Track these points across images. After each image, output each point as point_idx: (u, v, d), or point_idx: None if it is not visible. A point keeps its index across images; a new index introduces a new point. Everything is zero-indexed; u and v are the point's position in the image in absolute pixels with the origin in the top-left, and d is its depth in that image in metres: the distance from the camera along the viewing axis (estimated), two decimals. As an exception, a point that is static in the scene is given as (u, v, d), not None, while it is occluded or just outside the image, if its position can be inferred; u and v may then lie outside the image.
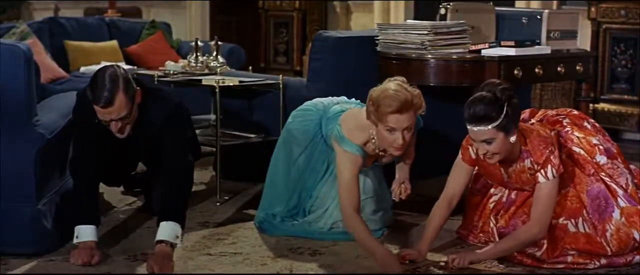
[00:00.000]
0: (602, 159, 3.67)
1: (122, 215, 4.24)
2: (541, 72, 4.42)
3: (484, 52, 4.31)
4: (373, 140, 3.72)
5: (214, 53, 5.21)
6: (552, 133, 3.65)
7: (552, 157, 3.46)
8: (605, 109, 6.41)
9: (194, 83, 4.81)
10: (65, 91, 4.74)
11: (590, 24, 6.46)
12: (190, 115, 4.04)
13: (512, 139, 3.40)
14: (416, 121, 3.66)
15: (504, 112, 3.32)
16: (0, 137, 3.48)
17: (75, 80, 6.40)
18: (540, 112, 3.90)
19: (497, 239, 3.61)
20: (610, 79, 6.44)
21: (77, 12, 8.83)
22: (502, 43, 4.34)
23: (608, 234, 3.52)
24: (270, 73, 6.98)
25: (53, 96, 4.49)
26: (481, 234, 3.82)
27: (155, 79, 4.90)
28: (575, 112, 3.94)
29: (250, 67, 5.64)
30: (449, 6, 4.56)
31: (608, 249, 3.51)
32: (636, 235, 3.54)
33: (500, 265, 3.53)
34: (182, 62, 5.29)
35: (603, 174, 3.63)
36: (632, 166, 3.83)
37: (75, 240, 3.54)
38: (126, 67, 6.05)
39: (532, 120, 3.81)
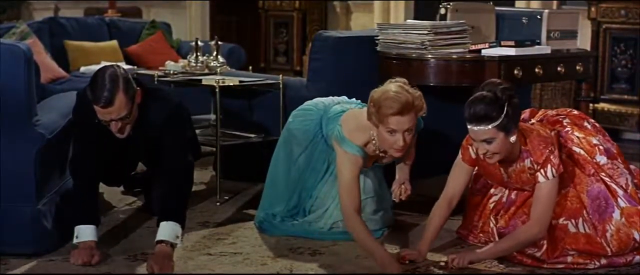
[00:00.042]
0: (602, 159, 3.67)
1: (122, 215, 4.24)
2: (541, 72, 4.42)
3: (484, 52, 4.31)
4: (373, 141, 3.71)
5: (214, 53, 5.21)
6: (552, 133, 3.65)
7: (551, 157, 3.46)
8: (605, 109, 6.41)
9: (194, 83, 4.81)
10: (65, 91, 4.74)
11: (590, 24, 6.46)
12: (190, 115, 4.04)
13: (512, 138, 3.40)
14: (417, 123, 3.66)
15: (505, 111, 3.32)
16: (0, 137, 3.48)
17: (75, 80, 6.40)
18: (540, 112, 3.90)
19: (497, 239, 3.61)
20: (610, 79, 6.44)
21: (77, 12, 8.83)
22: (502, 43, 4.34)
23: (608, 235, 3.52)
24: (270, 73, 6.98)
25: (53, 96, 4.49)
26: (481, 234, 3.82)
27: (155, 79, 4.90)
28: (576, 112, 3.94)
29: (250, 67, 5.64)
30: (449, 6, 4.56)
31: (608, 249, 3.51)
32: (636, 236, 3.54)
33: (500, 265, 3.53)
34: (182, 62, 5.29)
35: (603, 174, 3.63)
36: (632, 166, 3.83)
37: (75, 240, 3.54)
38: (126, 67, 6.05)
39: (532, 120, 3.81)
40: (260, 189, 4.23)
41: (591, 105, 6.13)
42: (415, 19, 6.86)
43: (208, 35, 9.26)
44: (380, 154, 3.80)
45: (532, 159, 3.49)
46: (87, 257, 3.48)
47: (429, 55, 4.27)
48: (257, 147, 4.68)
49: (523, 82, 4.39)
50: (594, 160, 3.65)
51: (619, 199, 3.58)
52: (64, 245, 3.65)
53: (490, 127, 3.33)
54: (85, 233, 3.55)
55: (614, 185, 3.61)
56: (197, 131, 4.55)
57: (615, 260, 3.53)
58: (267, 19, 9.15)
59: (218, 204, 4.45)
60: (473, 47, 4.39)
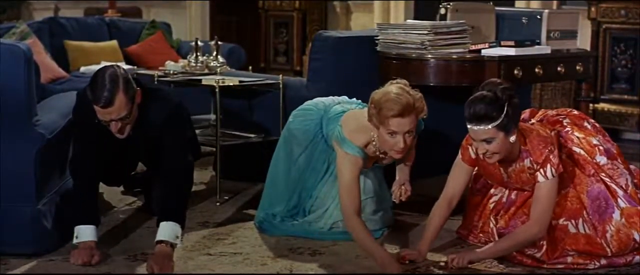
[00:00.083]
0: (602, 160, 3.67)
1: (122, 215, 4.24)
2: (541, 72, 4.42)
3: (484, 52, 4.31)
4: (374, 142, 3.71)
5: (214, 53, 5.21)
6: (552, 133, 3.65)
7: (551, 157, 3.46)
8: (605, 109, 6.41)
9: (194, 83, 4.81)
10: (65, 91, 4.74)
11: (590, 24, 6.46)
12: (190, 115, 4.04)
13: (512, 138, 3.40)
14: (418, 124, 3.66)
15: (505, 111, 3.32)
16: (0, 137, 3.48)
17: (75, 80, 6.40)
18: (540, 112, 3.90)
19: (496, 239, 3.61)
20: (610, 79, 6.44)
21: (77, 12, 8.83)
22: (502, 43, 4.34)
23: (608, 235, 3.52)
24: (270, 73, 6.98)
25: (53, 96, 4.49)
26: (481, 234, 3.82)
27: (155, 79, 4.90)
28: (576, 112, 3.94)
29: (250, 67, 5.64)
30: (449, 6, 4.56)
31: (608, 250, 3.51)
32: (636, 236, 3.54)
33: (500, 265, 3.53)
34: (182, 62, 5.29)
35: (603, 174, 3.63)
36: (632, 166, 3.83)
37: (75, 240, 3.54)
38: (126, 67, 6.05)
39: (532, 120, 3.81)
40: (260, 189, 4.23)
41: (591, 105, 6.13)
42: (415, 19, 6.86)
43: (208, 35, 9.26)
44: (381, 155, 3.80)
45: (531, 158, 3.49)
46: (87, 257, 3.48)
47: (429, 55, 4.27)
48: (257, 147, 4.68)
49: (523, 82, 4.39)
50: (594, 161, 3.65)
51: (619, 200, 3.58)
52: (64, 245, 3.65)
53: (490, 126, 3.33)
54: (85, 233, 3.55)
55: (614, 186, 3.61)
56: (197, 131, 4.55)
57: (615, 260, 3.53)
58: (267, 19, 9.15)
59: (218, 204, 4.45)
60: (473, 47, 4.39)
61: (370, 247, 3.52)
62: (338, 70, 4.56)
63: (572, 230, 3.54)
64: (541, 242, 3.50)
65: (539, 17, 4.69)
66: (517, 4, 7.35)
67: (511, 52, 4.27)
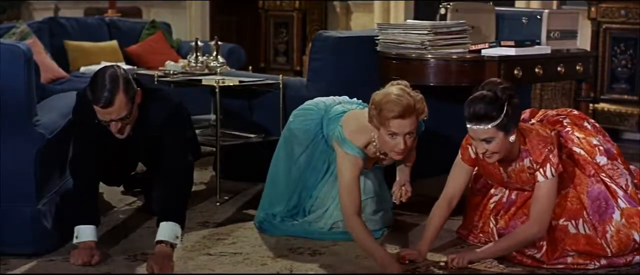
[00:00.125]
0: (602, 160, 3.67)
1: (122, 215, 4.24)
2: (541, 72, 4.42)
3: (484, 52, 4.31)
4: (374, 143, 3.71)
5: (214, 53, 5.21)
6: (553, 133, 3.65)
7: (551, 156, 3.46)
8: (605, 109, 6.41)
9: (194, 83, 4.81)
10: (65, 91, 4.74)
11: (590, 24, 6.46)
12: (190, 115, 4.04)
13: (512, 138, 3.40)
14: (418, 126, 3.66)
15: (504, 111, 3.32)
16: (1, 137, 3.48)
17: (75, 80, 6.40)
18: (540, 112, 3.90)
19: (496, 239, 3.61)
20: (610, 79, 6.44)
21: (77, 12, 8.83)
22: (502, 43, 4.34)
23: (608, 235, 3.52)
24: (270, 73, 6.98)
25: (53, 96, 4.49)
26: (481, 234, 3.82)
27: (155, 79, 4.90)
28: (576, 112, 3.94)
29: (250, 67, 5.64)
30: (449, 6, 4.56)
31: (608, 250, 3.51)
32: (636, 237, 3.54)
33: (500, 265, 3.53)
34: (182, 62, 5.29)
35: (603, 174, 3.63)
36: (632, 166, 3.83)
37: (75, 240, 3.54)
38: (126, 67, 6.05)
39: (533, 120, 3.81)
40: (260, 189, 4.23)
41: (591, 105, 6.13)
42: (415, 19, 6.86)
43: (208, 35, 9.26)
44: (381, 156, 3.80)
45: (531, 158, 3.49)
46: (87, 257, 3.48)
47: (429, 55, 4.27)
48: (257, 147, 4.68)
49: (523, 82, 4.39)
50: (594, 161, 3.65)
51: (619, 200, 3.58)
52: (64, 245, 3.65)
53: (489, 126, 3.33)
54: (85, 233, 3.55)
55: (614, 186, 3.61)
56: (197, 131, 4.55)
57: (615, 260, 3.53)
58: (267, 19, 9.15)
59: (218, 204, 4.45)
60: (473, 47, 4.39)
61: (370, 247, 3.52)
62: (338, 70, 4.56)
63: (572, 230, 3.54)
64: (541, 243, 3.50)
65: (539, 17, 4.69)
66: (517, 4, 7.35)
67: (511, 52, 4.27)
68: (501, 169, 3.60)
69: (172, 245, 3.48)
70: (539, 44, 4.55)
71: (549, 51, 4.53)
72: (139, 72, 5.53)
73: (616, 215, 3.55)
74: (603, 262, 3.52)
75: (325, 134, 3.89)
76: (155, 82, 4.84)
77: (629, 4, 6.27)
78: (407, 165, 3.99)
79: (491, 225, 3.69)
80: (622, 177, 3.66)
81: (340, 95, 4.07)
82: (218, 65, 5.16)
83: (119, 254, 3.62)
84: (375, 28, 4.60)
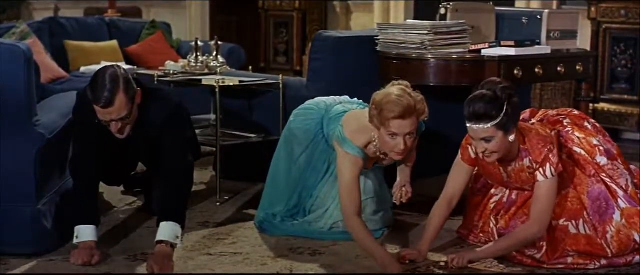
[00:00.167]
0: (602, 160, 3.66)
1: (122, 215, 4.24)
2: (541, 72, 4.42)
3: (484, 52, 4.31)
4: (374, 143, 3.71)
5: (214, 53, 5.21)
6: (553, 133, 3.65)
7: (550, 156, 3.46)
8: (605, 109, 6.41)
9: (194, 83, 4.81)
10: (65, 91, 4.74)
11: (590, 24, 6.46)
12: (190, 115, 4.04)
13: (511, 137, 3.40)
14: (419, 126, 3.66)
15: (504, 110, 3.32)
16: (1, 137, 3.48)
17: (75, 80, 6.40)
18: (540, 112, 3.90)
19: (497, 239, 3.60)
20: (610, 79, 6.44)
21: (77, 12, 8.83)
22: (502, 43, 4.34)
23: (608, 236, 3.52)
24: (270, 73, 6.98)
25: (53, 96, 4.49)
26: (481, 234, 3.82)
27: (155, 79, 4.90)
28: (576, 112, 3.94)
29: (250, 67, 5.64)
30: (449, 6, 4.56)
31: (608, 250, 3.51)
32: (636, 237, 3.54)
33: (500, 265, 3.53)
34: (182, 62, 5.29)
35: (603, 175, 3.63)
36: (632, 166, 3.83)
37: (75, 240, 3.54)
38: (126, 67, 6.05)
39: (533, 120, 3.81)
40: (260, 189, 4.23)
41: (591, 105, 6.13)
42: (415, 19, 6.86)
43: (208, 35, 9.26)
44: (381, 156, 3.80)
45: (531, 158, 3.49)
46: (87, 257, 3.48)
47: (429, 55, 4.27)
48: (257, 147, 4.68)
49: (523, 82, 4.39)
50: (595, 161, 3.65)
51: (619, 200, 3.58)
52: (64, 245, 3.65)
53: (489, 125, 3.33)
54: (85, 233, 3.55)
55: (614, 187, 3.61)
56: (197, 131, 4.55)
57: (615, 260, 3.53)
58: (267, 19, 9.15)
59: (218, 204, 4.45)
60: (473, 47, 4.39)
61: (370, 247, 3.52)
62: (338, 70, 4.56)
63: (573, 231, 3.54)
64: (541, 243, 3.50)
65: (539, 17, 4.69)
66: (517, 4, 7.35)
67: (511, 52, 4.27)
68: (501, 168, 3.60)
69: (172, 245, 3.48)
70: (539, 44, 4.55)
71: (549, 51, 4.53)
72: (139, 72, 5.52)
73: (616, 216, 3.55)
74: (603, 262, 3.52)
75: (325, 134, 3.89)
76: (155, 82, 4.84)
77: (629, 4, 6.27)
78: (408, 165, 3.99)
79: (491, 225, 3.69)
80: (623, 177, 3.66)
81: (340, 96, 4.07)
82: (218, 65, 5.15)
83: (119, 254, 3.62)
84: (375, 28, 4.60)
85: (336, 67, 4.56)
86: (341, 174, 3.68)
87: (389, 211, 4.09)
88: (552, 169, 3.45)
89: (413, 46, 4.34)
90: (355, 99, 4.04)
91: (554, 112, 3.90)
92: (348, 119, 3.79)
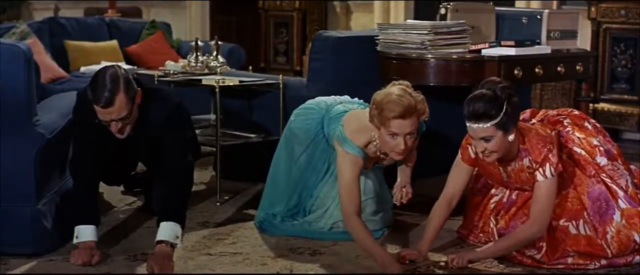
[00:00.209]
0: (602, 161, 3.66)
1: (122, 215, 4.24)
2: (541, 72, 4.42)
3: (484, 52, 4.31)
4: (375, 143, 3.71)
5: (214, 53, 5.21)
6: (553, 133, 3.65)
7: (550, 156, 3.45)
8: (605, 109, 6.41)
9: (194, 83, 4.81)
10: (65, 91, 4.74)
11: (590, 24, 6.46)
12: (190, 115, 4.04)
13: (511, 137, 3.40)
14: (419, 126, 3.66)
15: (503, 110, 3.32)
16: (1, 137, 3.48)
17: (75, 80, 6.40)
18: (541, 112, 3.90)
19: (497, 239, 3.60)
20: (610, 79, 6.44)
21: (77, 12, 8.83)
22: (502, 43, 4.34)
23: (608, 236, 3.52)
24: (270, 73, 6.98)
25: (53, 96, 4.49)
26: (481, 234, 3.82)
27: (155, 79, 4.90)
28: (576, 112, 3.94)
29: (250, 67, 5.64)
30: (449, 6, 4.56)
31: (608, 251, 3.51)
32: (636, 237, 3.54)
33: (500, 265, 3.53)
34: (182, 62, 5.29)
35: (604, 175, 3.63)
36: (632, 166, 3.83)
37: (75, 240, 3.54)
38: (126, 67, 6.05)
39: (533, 120, 3.81)
40: (260, 189, 4.23)
41: (591, 105, 6.13)
42: (415, 19, 6.86)
43: (208, 35, 9.26)
44: (381, 156, 3.80)
45: (530, 158, 3.48)
46: (87, 257, 3.48)
47: (429, 55, 4.27)
48: (257, 147, 4.68)
49: (523, 82, 4.39)
50: (595, 161, 3.65)
51: (619, 201, 3.58)
52: (64, 245, 3.65)
53: (488, 125, 3.33)
54: (85, 233, 3.55)
55: (614, 187, 3.61)
56: (197, 131, 4.55)
57: (615, 260, 3.53)
58: (267, 19, 9.15)
59: (218, 204, 4.45)
60: (473, 47, 4.39)
61: (370, 247, 3.51)
62: (338, 70, 4.56)
63: (573, 231, 3.54)
64: (541, 244, 3.50)
65: (539, 17, 4.69)
66: (517, 4, 7.35)
67: (511, 52, 4.27)
68: (501, 168, 3.60)
69: (173, 245, 3.48)
70: (539, 44, 4.55)
71: (549, 51, 4.53)
72: (139, 72, 5.52)
73: (616, 216, 3.55)
74: (603, 262, 3.52)
75: (326, 134, 3.89)
76: (155, 82, 4.84)
77: (629, 4, 6.27)
78: (408, 165, 3.99)
79: (491, 225, 3.69)
80: (623, 177, 3.66)
81: (340, 95, 4.07)
82: (218, 65, 5.15)
83: (119, 254, 3.62)
84: (375, 28, 4.60)
85: (336, 67, 4.56)
86: (341, 173, 3.68)
87: (389, 211, 4.09)
88: (552, 169, 3.45)
89: (413, 46, 4.34)
90: (356, 98, 4.04)
91: (555, 112, 3.89)
92: (348, 119, 3.79)
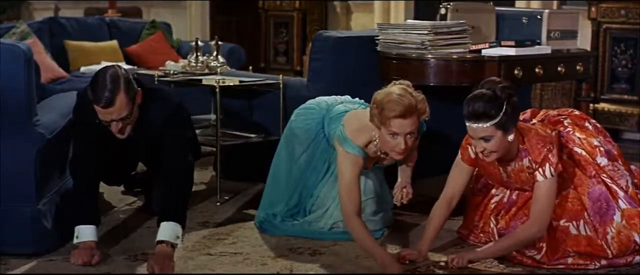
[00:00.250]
0: (603, 161, 3.66)
1: (122, 215, 4.24)
2: (541, 72, 4.42)
3: (484, 52, 4.31)
4: (375, 143, 3.71)
5: (214, 53, 5.21)
6: (553, 133, 3.65)
7: (550, 156, 3.45)
8: (605, 109, 6.41)
9: (194, 83, 4.81)
10: (65, 91, 4.74)
11: (590, 24, 6.46)
12: (190, 115, 4.04)
13: (510, 137, 3.40)
14: (419, 126, 3.66)
15: (503, 110, 3.32)
16: (1, 137, 3.48)
17: (75, 80, 6.40)
18: (541, 112, 3.90)
19: (497, 239, 3.60)
20: (610, 79, 6.44)
21: (77, 12, 8.84)
22: (502, 43, 4.34)
23: (609, 237, 3.52)
24: (270, 73, 6.98)
25: (53, 96, 4.49)
26: (482, 234, 3.82)
27: (155, 79, 4.90)
28: (577, 112, 3.94)
29: (250, 67, 5.64)
30: (449, 6, 4.56)
31: (609, 251, 3.51)
32: (637, 238, 3.54)
33: (500, 265, 3.53)
34: (182, 62, 5.29)
35: (604, 175, 3.63)
36: (632, 167, 3.83)
37: (75, 240, 3.54)
38: (126, 67, 6.04)
39: (534, 121, 3.81)
40: (260, 189, 4.23)
41: (591, 105, 6.13)
42: (415, 19, 6.86)
43: (208, 35, 9.26)
44: (382, 155, 3.80)
45: (530, 158, 3.48)
46: (87, 257, 3.48)
47: (429, 55, 4.27)
48: (257, 147, 4.68)
49: (523, 82, 4.39)
50: (595, 162, 3.65)
51: (619, 201, 3.58)
52: (64, 245, 3.65)
53: (488, 124, 3.33)
54: (85, 233, 3.55)
55: (614, 187, 3.61)
56: (197, 131, 4.55)
57: (615, 261, 3.53)
58: (267, 19, 9.15)
59: (218, 204, 4.45)
60: (473, 47, 4.39)
61: (370, 247, 3.51)
62: (338, 70, 4.56)
63: (573, 231, 3.54)
64: (540, 244, 3.50)
65: (539, 17, 4.69)
66: (517, 4, 7.35)
67: (511, 52, 4.27)
68: (501, 168, 3.60)
69: (173, 245, 3.48)
70: (539, 44, 4.55)
71: (549, 51, 4.54)
72: (139, 72, 5.52)
73: (617, 217, 3.55)
74: (603, 262, 3.52)
75: (326, 133, 3.89)
76: (156, 82, 4.84)
77: (629, 4, 6.27)
78: (409, 165, 3.99)
79: (492, 225, 3.69)
80: (623, 178, 3.66)
81: (340, 95, 4.07)
82: (218, 65, 5.15)
83: (119, 254, 3.62)
84: (376, 28, 4.60)
85: (336, 67, 4.56)
86: (341, 173, 3.68)
87: (389, 211, 4.09)
88: (552, 169, 3.45)
89: (413, 46, 4.34)
90: (357, 98, 4.04)
91: (555, 112, 3.89)
92: (349, 119, 3.79)
